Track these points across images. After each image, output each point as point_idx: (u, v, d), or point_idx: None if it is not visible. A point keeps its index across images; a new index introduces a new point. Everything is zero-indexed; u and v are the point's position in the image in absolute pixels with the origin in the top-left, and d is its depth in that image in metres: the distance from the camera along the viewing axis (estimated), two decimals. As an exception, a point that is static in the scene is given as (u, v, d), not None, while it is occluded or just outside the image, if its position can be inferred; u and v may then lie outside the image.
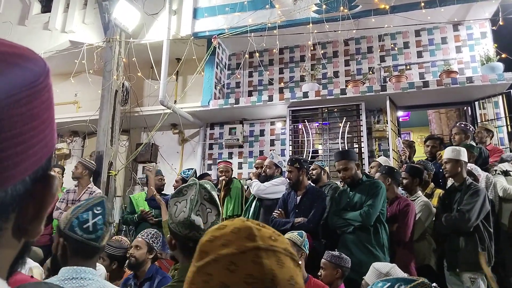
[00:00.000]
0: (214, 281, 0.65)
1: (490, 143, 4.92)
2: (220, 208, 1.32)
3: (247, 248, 0.65)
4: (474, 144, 4.49)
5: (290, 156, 6.11)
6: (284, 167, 4.70)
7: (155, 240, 3.28)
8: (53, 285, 1.05)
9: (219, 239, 0.69)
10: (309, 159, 6.00)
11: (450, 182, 3.96)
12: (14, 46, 0.42)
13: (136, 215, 4.95)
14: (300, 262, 0.73)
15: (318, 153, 6.38)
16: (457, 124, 4.80)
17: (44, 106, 0.43)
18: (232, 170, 5.21)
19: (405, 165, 4.32)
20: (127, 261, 3.21)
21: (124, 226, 6.05)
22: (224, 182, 4.91)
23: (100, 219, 1.53)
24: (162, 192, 5.30)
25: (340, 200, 3.69)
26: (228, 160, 5.93)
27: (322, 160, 6.05)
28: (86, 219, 1.54)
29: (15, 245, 0.44)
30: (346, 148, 4.43)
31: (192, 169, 5.23)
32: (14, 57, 0.41)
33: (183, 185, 1.35)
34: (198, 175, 5.28)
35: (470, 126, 4.80)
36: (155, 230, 3.48)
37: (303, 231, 2.97)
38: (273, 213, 4.06)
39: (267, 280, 0.62)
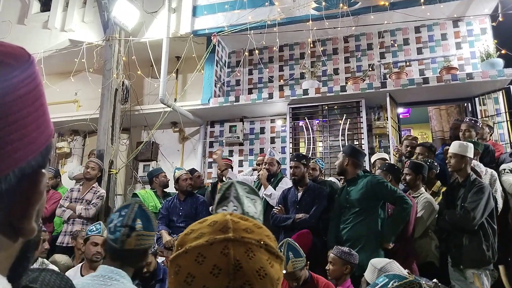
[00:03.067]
0: (182, 272, 0.66)
1: (490, 139, 4.91)
2: (246, 209, 1.32)
3: (216, 240, 0.67)
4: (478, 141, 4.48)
5: (290, 153, 6.11)
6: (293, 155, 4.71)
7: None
8: (43, 269, 1.06)
9: (195, 232, 0.71)
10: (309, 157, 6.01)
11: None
12: None
13: None
14: (282, 255, 0.72)
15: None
16: (467, 120, 4.74)
17: (24, 101, 0.42)
18: (232, 168, 5.21)
19: (408, 161, 4.29)
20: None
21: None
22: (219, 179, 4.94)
23: (119, 221, 1.51)
24: (165, 190, 5.32)
25: (340, 197, 3.74)
26: (228, 158, 5.94)
27: (321, 158, 6.07)
28: (112, 219, 1.56)
29: (9, 246, 0.44)
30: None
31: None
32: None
33: (222, 189, 1.34)
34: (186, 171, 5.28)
35: (478, 121, 4.76)
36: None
37: (297, 249, 2.89)
38: (273, 209, 4.06)
39: (232, 271, 0.63)
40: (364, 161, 4.04)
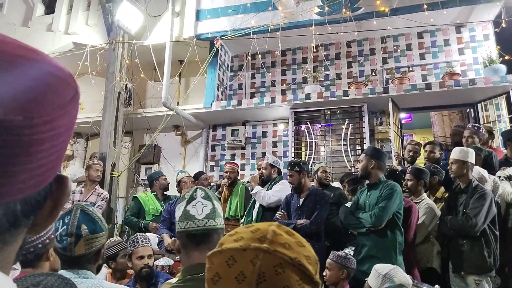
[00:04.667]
0: (212, 270, 0.68)
1: (491, 145, 4.91)
2: (216, 204, 1.38)
3: (250, 247, 0.66)
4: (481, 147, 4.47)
5: (292, 157, 6.11)
6: (282, 166, 4.70)
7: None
8: (49, 273, 1.06)
9: (236, 235, 0.71)
10: (311, 161, 6.01)
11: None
12: (59, 67, 0.44)
13: (143, 221, 4.89)
14: (319, 281, 0.69)
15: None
16: (470, 126, 4.73)
17: (71, 121, 0.45)
18: (238, 172, 5.21)
19: (410, 167, 4.28)
20: (139, 274, 3.05)
21: (127, 227, 6.04)
22: (225, 186, 4.92)
23: (64, 229, 1.51)
24: (165, 193, 5.32)
25: (358, 200, 3.63)
26: (234, 162, 5.93)
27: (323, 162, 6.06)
28: (57, 227, 1.56)
29: (21, 240, 0.46)
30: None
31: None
32: (61, 76, 0.43)
33: (186, 192, 1.44)
34: (194, 174, 5.29)
35: (481, 127, 4.75)
36: (145, 234, 3.45)
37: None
38: (276, 214, 4.05)
39: (254, 281, 0.62)
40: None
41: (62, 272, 1.50)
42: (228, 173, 4.98)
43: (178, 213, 1.36)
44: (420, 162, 5.19)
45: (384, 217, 3.29)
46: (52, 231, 1.70)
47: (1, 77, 0.37)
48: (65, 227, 1.52)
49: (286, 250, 0.66)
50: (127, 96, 6.53)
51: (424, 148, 4.86)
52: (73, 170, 6.77)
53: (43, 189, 0.43)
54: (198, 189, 1.38)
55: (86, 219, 1.54)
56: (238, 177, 5.30)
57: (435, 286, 2.56)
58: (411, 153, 4.90)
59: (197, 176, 5.26)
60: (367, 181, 3.65)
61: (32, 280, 1.02)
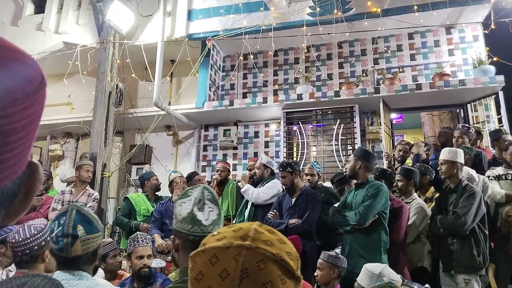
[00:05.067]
0: (195, 270, 0.68)
1: (479, 145, 4.97)
2: (221, 210, 1.36)
3: (232, 245, 0.67)
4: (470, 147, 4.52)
5: (284, 157, 6.12)
6: (275, 167, 4.70)
7: (152, 244, 3.22)
8: (35, 274, 1.06)
9: (219, 234, 0.72)
10: (303, 161, 6.03)
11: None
12: (22, 52, 0.43)
13: (134, 222, 4.85)
14: (300, 276, 0.70)
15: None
16: (460, 127, 4.79)
17: (41, 108, 0.44)
18: (229, 171, 5.20)
19: (400, 167, 4.32)
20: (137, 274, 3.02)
21: (118, 227, 6.00)
22: (216, 181, 4.90)
23: (60, 230, 1.50)
24: (156, 193, 5.28)
25: (346, 200, 3.69)
26: (226, 161, 5.92)
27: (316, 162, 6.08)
28: (53, 229, 1.55)
29: None
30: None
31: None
32: (25, 61, 0.42)
33: (189, 187, 1.41)
34: (187, 174, 5.27)
35: (471, 128, 4.81)
36: (144, 233, 3.43)
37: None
38: (268, 214, 4.06)
39: (238, 278, 0.63)
40: (376, 163, 3.97)
41: (58, 273, 1.49)
42: (219, 172, 4.97)
43: (181, 211, 1.33)
44: (409, 161, 5.23)
45: (369, 215, 3.36)
46: (47, 233, 1.69)
47: None
48: (60, 228, 1.50)
49: (268, 246, 0.67)
50: (118, 96, 6.49)
51: (410, 150, 4.91)
52: (63, 170, 6.71)
53: (17, 177, 0.43)
54: (205, 190, 1.35)
55: (82, 219, 1.53)
56: (230, 177, 5.30)
57: (425, 286, 2.58)
58: (401, 153, 4.94)
59: (191, 176, 5.24)
60: (355, 181, 3.72)
61: (17, 281, 1.02)
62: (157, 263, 3.57)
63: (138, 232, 3.30)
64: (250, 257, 0.65)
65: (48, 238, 1.76)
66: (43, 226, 2.01)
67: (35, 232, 1.96)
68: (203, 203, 1.33)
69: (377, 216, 3.40)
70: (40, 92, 0.42)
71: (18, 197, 0.45)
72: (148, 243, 3.12)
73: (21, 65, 0.41)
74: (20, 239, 1.96)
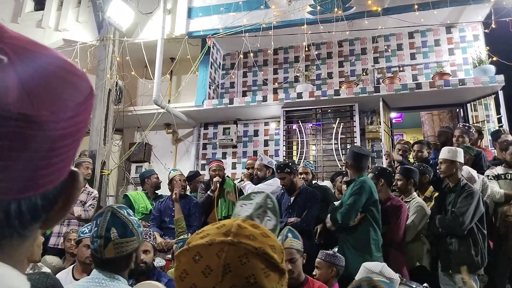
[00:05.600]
0: (179, 268, 0.69)
1: (480, 145, 4.98)
2: (278, 221, 1.34)
3: (214, 242, 0.68)
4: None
5: (284, 156, 6.12)
6: (276, 167, 4.70)
7: (153, 240, 3.13)
8: (34, 273, 1.06)
9: (203, 232, 0.73)
10: (302, 160, 6.02)
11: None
12: (73, 64, 0.45)
13: None
14: (284, 268, 0.70)
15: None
16: (460, 126, 4.79)
17: (88, 117, 0.47)
18: (224, 169, 5.17)
19: (399, 166, 4.32)
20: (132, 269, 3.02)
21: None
22: (218, 182, 4.87)
23: (95, 231, 1.51)
24: (156, 192, 5.28)
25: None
26: (220, 159, 5.90)
27: (314, 161, 6.09)
28: (90, 228, 1.58)
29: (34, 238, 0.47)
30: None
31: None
32: (75, 69, 0.44)
33: (253, 191, 1.40)
34: (188, 174, 5.26)
35: (472, 127, 4.81)
36: (146, 229, 3.39)
37: (295, 232, 2.96)
38: None
39: (220, 273, 0.64)
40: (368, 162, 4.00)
41: (94, 271, 1.50)
42: (216, 171, 4.92)
43: (240, 213, 1.30)
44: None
45: (351, 214, 3.42)
46: None
47: (24, 73, 0.38)
48: (96, 228, 1.51)
49: (250, 241, 0.68)
50: (118, 93, 6.49)
51: (412, 147, 4.91)
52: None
53: (59, 184, 0.44)
54: (267, 198, 1.33)
55: (116, 222, 1.51)
56: (229, 175, 5.29)
57: (424, 285, 2.58)
58: (400, 152, 4.94)
59: (193, 176, 5.23)
60: (346, 179, 3.85)
61: None
62: (157, 261, 3.49)
63: (144, 229, 3.27)
64: (232, 252, 0.66)
65: None
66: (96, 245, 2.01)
67: None
68: (263, 210, 1.31)
69: (363, 214, 3.45)
70: (88, 102, 0.45)
71: (58, 204, 0.46)
72: (147, 238, 3.04)
73: (73, 76, 0.43)
74: None
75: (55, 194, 0.44)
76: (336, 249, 3.53)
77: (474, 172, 4.00)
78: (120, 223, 1.52)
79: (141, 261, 2.93)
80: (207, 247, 0.68)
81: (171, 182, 4.73)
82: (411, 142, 5.29)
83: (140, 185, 5.48)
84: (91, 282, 1.44)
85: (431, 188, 4.24)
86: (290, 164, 4.11)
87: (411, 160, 5.11)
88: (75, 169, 0.49)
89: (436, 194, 4.05)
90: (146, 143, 7.05)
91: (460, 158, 3.66)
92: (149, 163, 7.07)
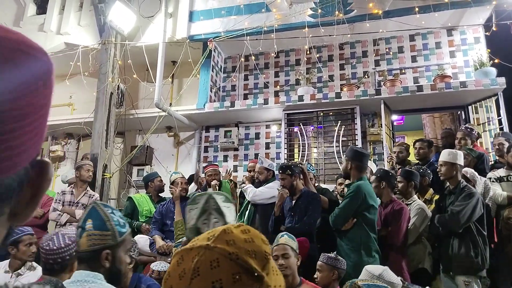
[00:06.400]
0: (168, 271, 0.72)
1: (476, 144, 4.97)
2: (227, 219, 1.34)
3: (195, 246, 0.70)
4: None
5: (285, 159, 6.12)
6: (276, 170, 4.71)
7: (131, 248, 3.00)
8: (52, 282, 1.06)
9: (197, 237, 0.76)
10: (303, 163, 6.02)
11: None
12: (22, 37, 0.43)
13: (136, 223, 4.84)
14: (263, 273, 0.70)
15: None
16: (463, 128, 4.80)
17: (49, 94, 0.44)
18: (220, 173, 5.16)
19: (400, 169, 4.32)
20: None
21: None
22: (217, 186, 4.87)
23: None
24: (160, 195, 5.28)
25: None
26: (215, 163, 5.88)
27: (316, 163, 6.09)
28: None
29: (3, 232, 0.44)
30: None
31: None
32: (25, 47, 0.42)
33: (197, 193, 1.39)
34: (188, 177, 5.27)
35: (474, 129, 4.81)
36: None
37: (293, 237, 2.96)
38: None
39: (189, 277, 0.66)
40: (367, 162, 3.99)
41: (78, 273, 1.47)
42: (211, 176, 4.89)
43: (189, 220, 1.32)
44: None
45: (340, 218, 3.48)
46: None
47: None
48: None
49: (226, 246, 0.69)
50: (119, 97, 6.50)
51: (414, 145, 4.93)
52: (64, 171, 6.71)
53: (19, 174, 0.41)
54: (210, 199, 1.34)
55: (94, 214, 1.53)
56: (231, 179, 5.29)
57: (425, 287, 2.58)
58: (396, 154, 4.97)
59: (193, 178, 5.24)
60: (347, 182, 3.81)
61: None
62: (162, 266, 3.35)
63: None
64: (206, 256, 0.67)
65: None
66: (75, 236, 2.01)
67: (69, 242, 1.94)
68: (208, 214, 1.31)
69: (355, 219, 3.47)
70: (41, 83, 0.43)
71: (23, 196, 0.43)
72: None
73: (20, 53, 0.41)
74: (55, 248, 1.94)
75: (14, 183, 0.41)
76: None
77: (476, 174, 4.01)
78: (97, 216, 1.52)
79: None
80: (188, 251, 0.70)
81: (172, 184, 4.74)
82: (410, 144, 5.30)
83: (144, 188, 5.47)
84: (72, 285, 1.41)
85: (431, 190, 4.25)
86: (292, 166, 4.11)
87: (413, 159, 5.13)
88: (46, 159, 0.46)
89: (437, 197, 4.05)
90: (147, 146, 7.06)
91: (460, 160, 3.67)
92: (151, 166, 7.07)
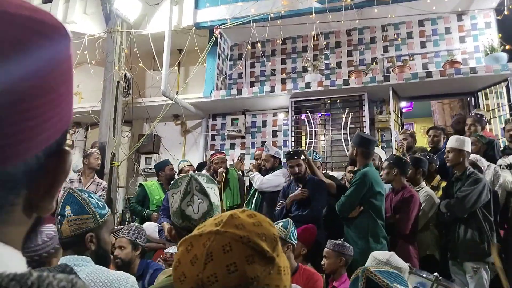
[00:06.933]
0: (175, 258, 0.73)
1: (485, 131, 4.92)
2: (212, 199, 1.32)
3: (204, 232, 0.71)
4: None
5: (292, 147, 6.10)
6: (282, 157, 4.70)
7: (138, 235, 3.10)
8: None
9: (203, 224, 0.77)
10: (311, 150, 6.00)
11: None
12: (35, 10, 0.40)
13: (146, 211, 4.88)
14: (274, 254, 0.71)
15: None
16: (472, 115, 4.75)
17: (62, 79, 0.42)
18: (227, 160, 5.15)
19: (409, 156, 4.30)
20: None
21: (128, 216, 6.06)
22: (223, 174, 4.87)
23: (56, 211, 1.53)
24: (171, 183, 5.30)
25: None
26: (222, 151, 5.87)
27: (323, 151, 6.07)
28: None
29: (26, 222, 0.43)
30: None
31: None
32: (36, 24, 0.40)
33: (178, 176, 1.38)
34: (197, 165, 5.28)
35: (484, 115, 4.76)
36: (136, 224, 3.37)
37: (287, 222, 2.95)
38: (277, 206, 4.07)
39: (202, 262, 0.67)
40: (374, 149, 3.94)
41: (65, 258, 1.49)
42: (218, 164, 4.85)
43: (173, 204, 1.32)
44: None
45: (346, 205, 3.47)
46: (58, 241, 1.70)
47: None
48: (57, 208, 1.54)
49: (237, 230, 0.70)
50: (126, 85, 6.51)
51: (427, 133, 4.90)
52: (74, 161, 6.77)
53: (28, 163, 0.40)
54: (193, 180, 1.32)
55: (71, 200, 1.54)
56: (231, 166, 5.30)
57: (434, 274, 2.58)
58: (403, 141, 4.96)
59: (201, 166, 5.25)
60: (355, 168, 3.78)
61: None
62: (175, 249, 3.43)
63: (131, 224, 3.30)
64: (218, 241, 0.68)
65: (58, 246, 1.78)
66: (53, 233, 2.02)
67: (46, 239, 1.96)
68: (192, 195, 1.29)
69: (361, 207, 3.45)
70: (58, 59, 0.41)
71: (40, 185, 0.42)
72: (126, 234, 3.05)
73: (48, 40, 0.40)
74: (32, 245, 1.96)
75: (32, 169, 0.40)
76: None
77: (483, 160, 3.97)
78: (74, 201, 1.54)
79: (116, 257, 2.93)
80: (198, 238, 0.71)
81: (180, 172, 4.76)
82: (422, 131, 5.27)
83: (156, 176, 5.49)
84: None
85: (438, 177, 4.24)
86: (304, 151, 4.13)
87: (427, 147, 5.11)
88: (68, 148, 0.45)
89: (444, 183, 4.03)
90: (155, 134, 7.08)
91: (468, 147, 3.65)
92: (158, 154, 7.10)
